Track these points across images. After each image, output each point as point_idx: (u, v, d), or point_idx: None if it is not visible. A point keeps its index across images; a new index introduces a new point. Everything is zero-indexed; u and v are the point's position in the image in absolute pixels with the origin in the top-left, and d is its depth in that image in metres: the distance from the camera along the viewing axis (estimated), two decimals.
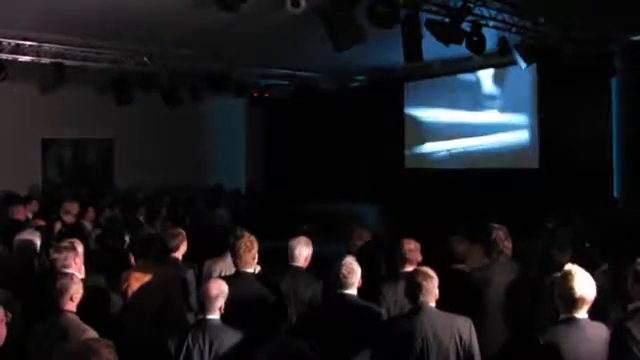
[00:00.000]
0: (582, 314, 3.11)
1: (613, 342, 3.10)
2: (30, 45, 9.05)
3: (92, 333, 3.37)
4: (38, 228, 5.88)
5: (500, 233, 4.53)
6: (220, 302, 3.49)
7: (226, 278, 4.00)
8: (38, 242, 5.05)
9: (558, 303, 3.15)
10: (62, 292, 3.52)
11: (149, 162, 12.70)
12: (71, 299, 3.54)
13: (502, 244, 4.49)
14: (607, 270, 4.26)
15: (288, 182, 13.91)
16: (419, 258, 4.36)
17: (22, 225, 6.26)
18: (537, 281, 4.33)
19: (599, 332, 3.14)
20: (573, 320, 3.10)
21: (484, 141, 11.41)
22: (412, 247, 4.39)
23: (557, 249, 4.78)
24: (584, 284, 3.09)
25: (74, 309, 3.55)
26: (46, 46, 9.20)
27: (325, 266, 4.19)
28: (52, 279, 3.81)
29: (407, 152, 12.91)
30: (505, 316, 4.29)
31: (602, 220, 7.67)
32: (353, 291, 3.80)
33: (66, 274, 3.79)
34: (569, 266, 3.21)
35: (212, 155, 14.38)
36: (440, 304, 3.50)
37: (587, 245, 5.30)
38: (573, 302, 3.08)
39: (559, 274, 3.21)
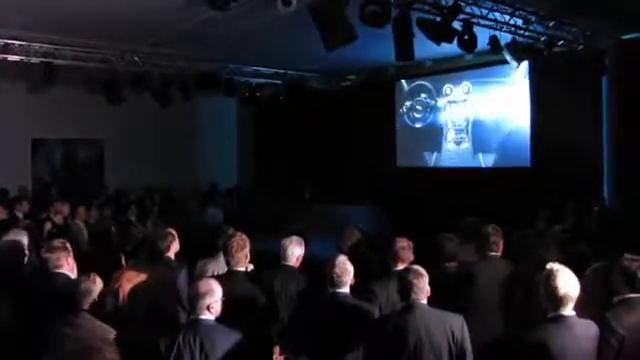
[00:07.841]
0: (568, 311, 3.13)
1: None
2: (20, 44, 9.00)
3: (110, 330, 3.50)
4: (27, 228, 5.81)
5: (489, 229, 4.59)
6: (208, 301, 3.38)
7: (218, 277, 3.97)
8: (26, 242, 4.97)
9: (544, 301, 3.17)
10: (86, 294, 3.61)
11: (140, 162, 12.64)
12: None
13: (491, 240, 4.54)
14: (603, 268, 4.24)
15: (280, 181, 13.88)
16: (411, 256, 4.35)
17: (8, 224, 6.17)
18: (528, 279, 4.34)
19: (588, 330, 3.16)
20: (561, 318, 3.12)
21: (476, 140, 11.46)
22: (404, 245, 4.38)
23: (544, 248, 4.80)
24: (567, 281, 3.13)
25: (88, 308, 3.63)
26: (36, 45, 9.15)
27: (317, 266, 4.18)
28: (49, 279, 4.02)
29: (399, 151, 12.93)
30: (495, 312, 4.31)
31: (593, 219, 7.73)
32: (346, 290, 3.79)
33: (88, 276, 3.80)
34: (552, 264, 3.24)
35: (203, 155, 14.32)
36: (432, 302, 3.50)
37: (575, 243, 5.33)
38: (558, 300, 3.10)
39: (543, 273, 3.23)
